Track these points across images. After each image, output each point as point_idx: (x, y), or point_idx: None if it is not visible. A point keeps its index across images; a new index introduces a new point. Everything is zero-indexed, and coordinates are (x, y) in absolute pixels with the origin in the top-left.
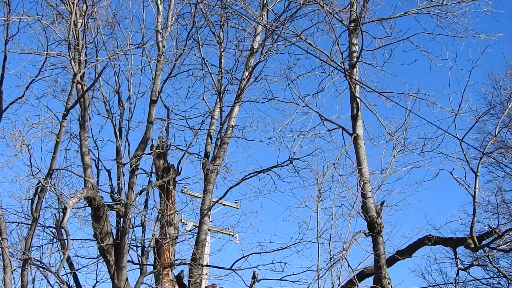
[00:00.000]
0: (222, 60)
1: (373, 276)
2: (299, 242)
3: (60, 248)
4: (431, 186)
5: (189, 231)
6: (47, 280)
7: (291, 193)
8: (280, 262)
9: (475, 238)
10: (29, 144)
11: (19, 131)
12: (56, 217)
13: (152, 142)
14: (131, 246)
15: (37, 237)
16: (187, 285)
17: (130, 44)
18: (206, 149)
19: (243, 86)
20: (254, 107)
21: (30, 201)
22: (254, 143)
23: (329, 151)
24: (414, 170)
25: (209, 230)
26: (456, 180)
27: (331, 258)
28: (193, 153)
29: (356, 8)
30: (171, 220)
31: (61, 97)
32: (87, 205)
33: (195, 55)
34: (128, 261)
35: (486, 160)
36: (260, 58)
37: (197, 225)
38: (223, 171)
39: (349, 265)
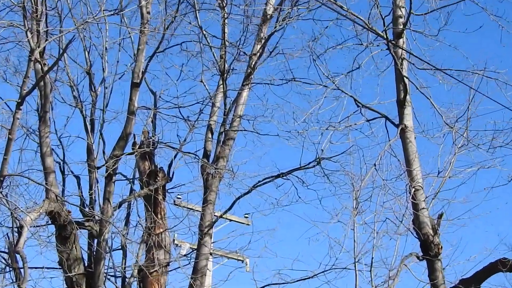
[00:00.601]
0: (226, 30)
1: None
2: (330, 269)
3: (14, 280)
4: (504, 193)
5: (185, 255)
6: None
7: (319, 204)
8: None
9: None
10: None
11: None
12: (9, 239)
13: (135, 139)
14: (108, 276)
15: None
16: None
17: (104, 10)
18: (206, 147)
19: (253, 63)
20: (269, 91)
21: None
22: (269, 138)
23: (368, 148)
24: (481, 171)
25: (211, 254)
26: None
27: None
28: (189, 153)
29: None
30: (160, 241)
31: (14, 81)
32: (49, 222)
33: (190, 23)
34: None
35: None
36: (275, 26)
37: (195, 247)
38: (229, 176)
39: None
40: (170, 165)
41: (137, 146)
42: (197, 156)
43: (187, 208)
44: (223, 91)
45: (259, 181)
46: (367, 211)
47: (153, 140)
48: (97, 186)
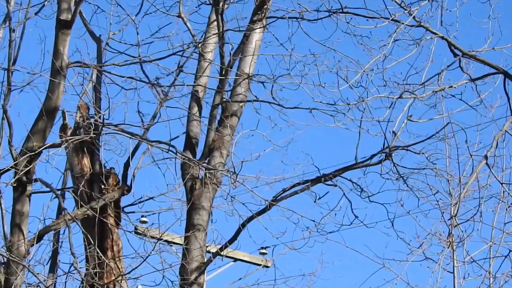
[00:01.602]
0: None
1: None
2: None
3: None
4: None
5: None
6: None
7: (390, 228)
8: None
9: None
10: None
11: None
12: None
13: (65, 119)
14: None
15: None
16: None
17: None
18: (190, 132)
19: None
20: (297, 33)
21: None
22: (299, 115)
23: (474, 129)
24: None
25: None
26: None
27: None
28: (160, 142)
29: None
30: None
31: None
32: None
33: None
34: None
35: None
36: None
37: None
38: (230, 182)
39: None
40: (127, 165)
41: (69, 132)
42: (173, 148)
43: (159, 239)
44: (218, 33)
45: (283, 190)
46: (474, 236)
47: (96, 120)
48: (0, 204)
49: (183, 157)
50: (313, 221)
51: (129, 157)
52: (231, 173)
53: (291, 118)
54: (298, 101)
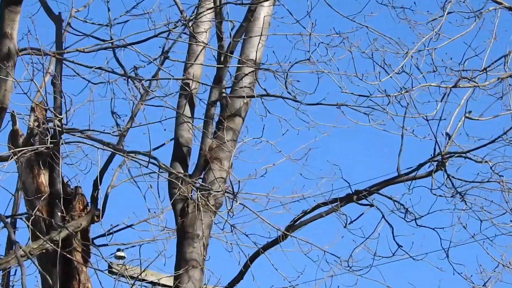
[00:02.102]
0: None
1: None
2: None
3: None
4: None
5: None
6: None
7: (446, 259)
8: None
9: None
10: None
11: None
12: None
13: (15, 124)
14: None
15: None
16: None
17: None
18: (180, 139)
19: None
20: (318, 6)
21: None
22: (322, 114)
23: None
24: None
25: None
26: None
27: None
28: (138, 153)
29: None
30: None
31: None
32: None
33: None
34: None
35: None
36: None
37: None
38: (232, 203)
39: None
40: (97, 183)
41: (20, 140)
42: (156, 160)
43: (140, 280)
44: (214, 8)
45: (303, 212)
46: None
47: (55, 125)
48: None
49: (170, 172)
50: (339, 257)
51: (99, 173)
52: (232, 193)
53: (311, 118)
54: (320, 96)
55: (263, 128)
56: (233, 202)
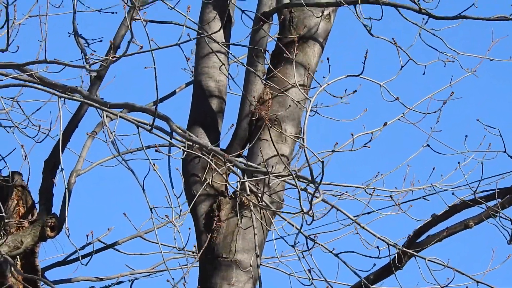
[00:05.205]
0: None
1: None
2: None
3: None
4: None
5: None
6: None
7: None
8: None
9: None
10: None
11: None
12: None
13: None
14: None
15: None
16: None
17: None
18: (204, 81)
19: None
20: None
21: None
22: (465, 40)
23: None
24: None
25: None
26: None
27: None
28: (134, 110)
29: None
30: None
31: None
32: None
33: None
34: None
35: None
36: None
37: None
38: (314, 203)
39: None
40: (51, 165)
41: None
42: (165, 120)
43: None
44: None
45: (432, 218)
46: None
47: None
48: None
49: (190, 141)
50: None
51: (55, 146)
52: (311, 181)
53: (449, 46)
54: (463, 4)
55: (365, 59)
56: (312, 198)
